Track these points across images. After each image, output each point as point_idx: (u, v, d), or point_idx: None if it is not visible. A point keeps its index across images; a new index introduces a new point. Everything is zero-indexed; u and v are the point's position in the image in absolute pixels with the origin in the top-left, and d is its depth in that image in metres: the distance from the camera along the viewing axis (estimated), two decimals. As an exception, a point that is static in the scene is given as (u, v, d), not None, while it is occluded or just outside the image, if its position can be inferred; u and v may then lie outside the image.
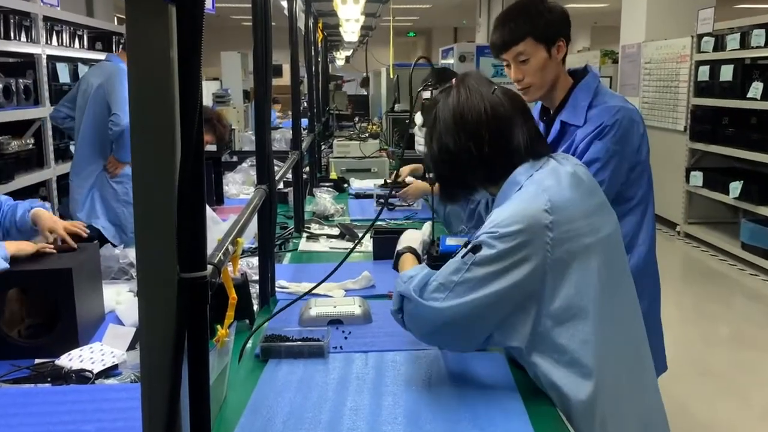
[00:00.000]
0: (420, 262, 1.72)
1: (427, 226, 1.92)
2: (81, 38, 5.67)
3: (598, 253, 1.41)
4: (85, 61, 5.48)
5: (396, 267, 1.74)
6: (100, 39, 6.12)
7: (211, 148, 4.18)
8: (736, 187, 6.33)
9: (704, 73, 6.84)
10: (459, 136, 1.48)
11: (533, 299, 1.38)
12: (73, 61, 5.26)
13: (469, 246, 1.40)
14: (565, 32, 1.99)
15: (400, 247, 1.79)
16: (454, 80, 1.57)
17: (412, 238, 1.84)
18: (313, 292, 2.13)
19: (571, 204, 1.40)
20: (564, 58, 2.02)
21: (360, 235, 2.89)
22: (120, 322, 1.92)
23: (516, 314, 1.39)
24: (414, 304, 1.44)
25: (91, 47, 5.93)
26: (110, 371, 1.64)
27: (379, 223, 3.25)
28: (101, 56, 5.94)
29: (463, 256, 1.39)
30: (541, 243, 1.35)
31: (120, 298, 2.09)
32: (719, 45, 6.65)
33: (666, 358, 2.09)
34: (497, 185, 1.50)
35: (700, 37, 6.89)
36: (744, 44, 6.28)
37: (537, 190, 1.41)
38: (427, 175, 3.41)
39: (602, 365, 1.39)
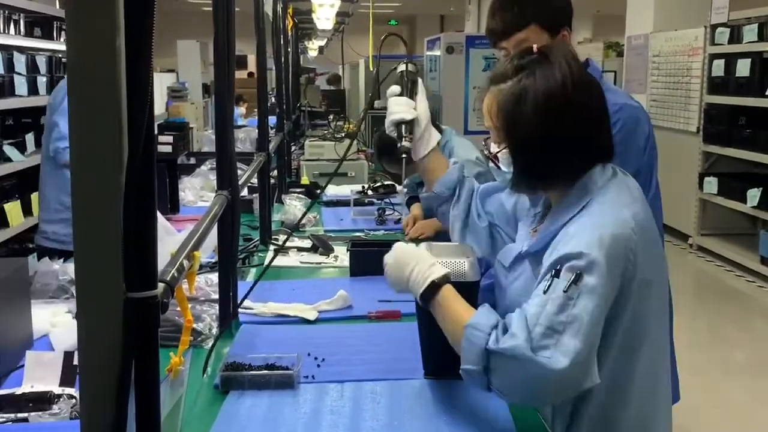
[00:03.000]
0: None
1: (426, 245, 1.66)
2: (17, 23, 5.62)
3: (665, 281, 1.49)
4: (21, 50, 5.42)
5: (425, 302, 1.52)
6: (39, 24, 6.07)
7: (166, 149, 4.14)
8: (754, 194, 6.41)
9: (719, 67, 6.94)
10: (559, 115, 1.42)
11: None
12: (7, 50, 5.20)
13: (567, 277, 1.32)
14: (570, 20, 2.00)
15: (424, 272, 1.52)
16: (536, 49, 1.48)
17: (424, 257, 1.56)
18: (283, 314, 2.16)
19: (649, 224, 1.43)
20: None
21: (334, 247, 2.89)
22: (51, 348, 1.88)
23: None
24: (522, 364, 1.30)
25: (29, 34, 5.88)
26: (43, 406, 1.60)
27: (357, 234, 3.25)
28: (40, 44, 5.90)
29: (566, 290, 1.31)
30: (626, 265, 1.36)
31: (56, 320, 2.04)
32: (735, 36, 6.75)
33: (678, 387, 2.11)
34: (576, 181, 1.46)
35: (714, 27, 6.99)
36: (762, 36, 6.37)
37: (618, 206, 1.40)
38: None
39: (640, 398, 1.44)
